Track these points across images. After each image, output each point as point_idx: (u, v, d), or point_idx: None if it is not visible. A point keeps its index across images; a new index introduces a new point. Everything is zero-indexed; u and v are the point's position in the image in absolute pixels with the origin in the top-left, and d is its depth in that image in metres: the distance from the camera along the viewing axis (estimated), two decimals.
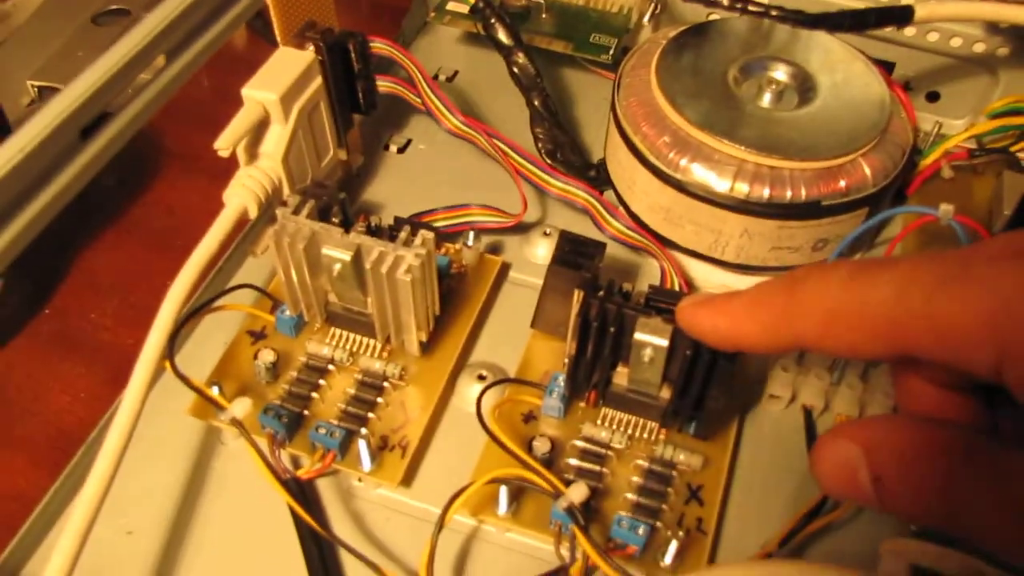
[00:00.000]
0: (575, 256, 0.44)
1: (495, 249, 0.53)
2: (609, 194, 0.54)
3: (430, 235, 0.42)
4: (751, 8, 0.46)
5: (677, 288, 0.49)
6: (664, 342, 0.39)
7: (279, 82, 0.46)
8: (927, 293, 0.26)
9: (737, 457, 0.46)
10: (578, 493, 0.39)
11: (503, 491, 0.40)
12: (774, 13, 0.46)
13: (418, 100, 0.53)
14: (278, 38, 0.48)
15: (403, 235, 0.42)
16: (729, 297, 0.33)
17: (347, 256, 0.42)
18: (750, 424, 0.47)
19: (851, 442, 0.28)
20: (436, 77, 0.65)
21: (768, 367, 0.47)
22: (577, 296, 0.40)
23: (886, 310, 0.27)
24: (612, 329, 0.39)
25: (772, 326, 0.30)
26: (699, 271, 0.52)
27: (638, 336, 0.39)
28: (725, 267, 0.51)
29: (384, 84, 0.54)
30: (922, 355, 0.26)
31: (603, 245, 0.45)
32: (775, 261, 0.50)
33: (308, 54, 0.48)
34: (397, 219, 0.46)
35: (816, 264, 0.32)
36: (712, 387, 0.40)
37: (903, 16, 0.47)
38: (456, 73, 0.66)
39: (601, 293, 0.40)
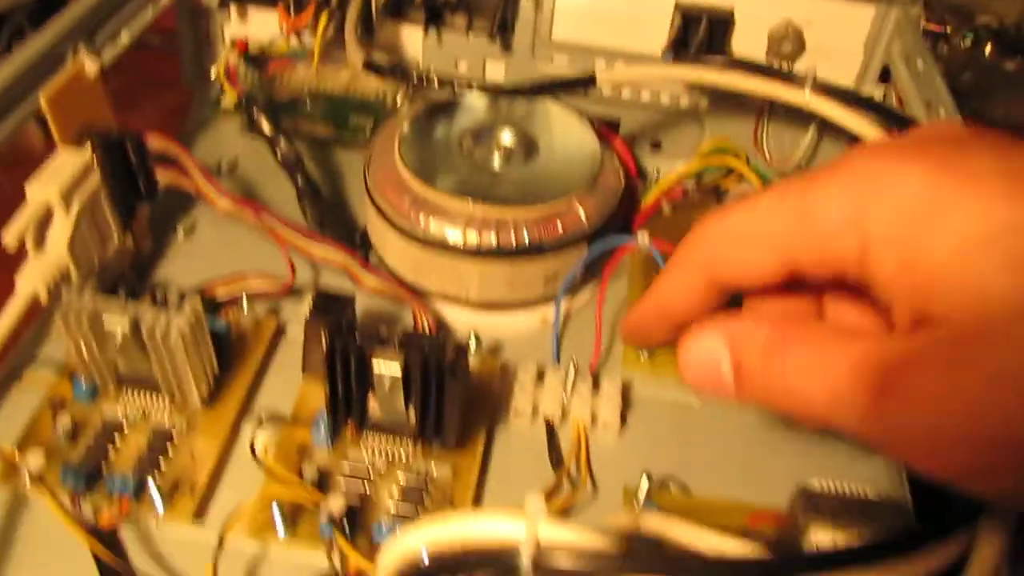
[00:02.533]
0: (327, 310, 0.51)
1: (275, 310, 0.60)
2: (374, 256, 0.62)
3: (196, 298, 0.49)
4: (456, 85, 0.55)
5: (427, 329, 0.56)
6: (397, 367, 0.46)
7: (59, 178, 0.52)
8: (798, 193, 0.30)
9: (488, 467, 0.53)
10: (336, 503, 0.45)
11: (276, 512, 0.47)
12: (474, 86, 0.55)
13: (192, 186, 0.60)
14: (56, 139, 0.55)
15: (173, 300, 0.49)
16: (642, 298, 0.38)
17: (126, 325, 0.48)
18: (499, 438, 0.54)
19: (715, 334, 0.31)
20: (219, 167, 0.71)
21: (510, 388, 0.55)
22: (323, 337, 0.47)
23: (764, 217, 0.30)
24: (352, 361, 0.47)
25: (682, 272, 0.34)
26: (451, 314, 0.60)
27: (375, 365, 0.46)
28: (472, 307, 0.59)
29: (163, 176, 0.60)
30: (801, 253, 0.30)
31: (352, 298, 0.52)
32: (513, 297, 0.58)
33: (86, 151, 0.54)
34: (180, 293, 0.53)
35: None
36: (445, 403, 0.47)
37: (587, 81, 0.57)
38: (236, 162, 0.73)
39: (343, 333, 0.47)
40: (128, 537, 0.49)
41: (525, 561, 0.27)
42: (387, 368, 0.46)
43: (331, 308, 0.51)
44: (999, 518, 0.34)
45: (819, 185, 0.29)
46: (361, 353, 0.47)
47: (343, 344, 0.47)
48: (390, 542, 0.32)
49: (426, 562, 0.31)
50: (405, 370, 0.46)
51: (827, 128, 0.68)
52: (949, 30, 1.01)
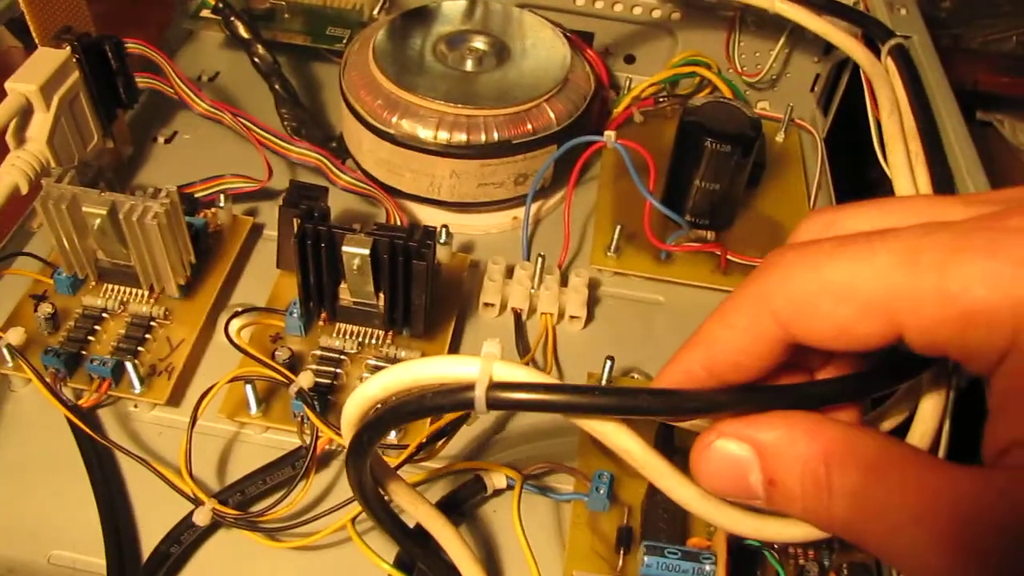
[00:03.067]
0: (300, 199, 0.52)
1: (252, 212, 0.62)
2: (350, 161, 0.63)
3: (172, 188, 0.50)
4: None
5: (398, 223, 0.58)
6: (366, 251, 0.47)
7: (38, 75, 0.54)
8: (940, 262, 0.23)
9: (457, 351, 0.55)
10: (305, 379, 0.47)
11: (249, 391, 0.48)
12: None
13: (172, 91, 0.61)
14: (36, 40, 0.56)
15: (150, 190, 0.50)
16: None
17: (103, 211, 0.49)
18: (468, 329, 0.56)
19: (741, 443, 0.26)
20: (199, 78, 0.73)
21: (480, 283, 0.56)
22: (294, 225, 0.48)
23: (886, 281, 0.24)
24: (323, 246, 0.48)
25: (750, 322, 0.27)
26: (424, 213, 0.61)
27: (345, 248, 0.48)
28: (444, 207, 0.60)
29: (142, 80, 0.61)
30: (919, 334, 0.24)
31: (325, 189, 0.53)
32: (484, 196, 0.59)
33: (65, 52, 0.56)
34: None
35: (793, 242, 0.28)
36: (413, 286, 0.49)
37: None
38: (217, 74, 0.74)
39: (314, 220, 0.48)
40: (107, 418, 0.51)
41: (480, 393, 0.29)
42: (356, 248, 0.47)
43: (305, 196, 0.52)
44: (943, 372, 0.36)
45: (968, 260, 0.23)
46: (332, 237, 0.48)
47: (315, 228, 0.48)
48: (353, 393, 0.33)
49: (388, 403, 0.32)
50: (374, 251, 0.48)
51: (797, 40, 0.69)
52: None
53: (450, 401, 0.30)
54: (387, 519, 0.37)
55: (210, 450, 0.50)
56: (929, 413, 0.39)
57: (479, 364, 0.29)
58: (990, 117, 0.95)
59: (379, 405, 0.32)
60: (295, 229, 0.48)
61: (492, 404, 0.29)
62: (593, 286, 0.58)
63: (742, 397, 0.31)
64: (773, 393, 0.32)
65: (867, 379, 0.34)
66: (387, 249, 0.47)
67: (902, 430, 0.40)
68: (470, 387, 0.29)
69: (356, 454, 0.34)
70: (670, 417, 0.33)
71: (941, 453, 0.40)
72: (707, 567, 0.42)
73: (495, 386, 0.29)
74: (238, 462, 0.50)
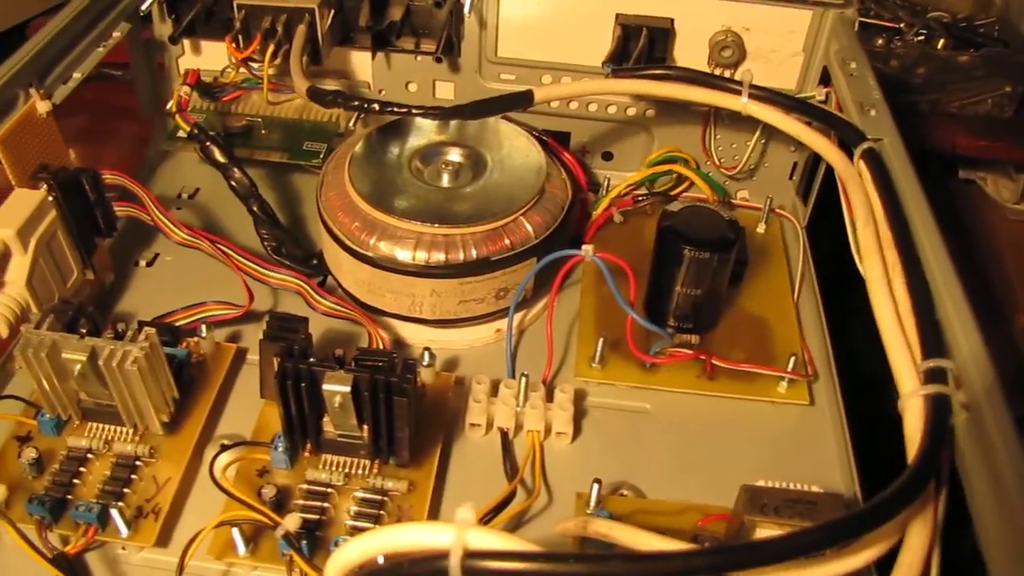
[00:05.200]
0: (281, 331, 0.52)
1: (235, 338, 0.61)
2: (331, 279, 0.63)
3: (152, 330, 0.50)
4: (396, 110, 0.56)
5: (381, 347, 0.57)
6: (346, 388, 0.47)
7: (14, 219, 0.54)
8: None
9: (445, 479, 0.54)
10: (292, 522, 0.47)
11: (236, 533, 0.48)
12: (415, 112, 0.56)
13: (149, 219, 0.61)
14: (12, 181, 0.56)
15: (129, 333, 0.50)
16: None
17: (83, 357, 0.49)
18: (456, 450, 0.56)
19: None
20: (179, 196, 0.73)
21: (465, 401, 0.56)
22: (274, 362, 0.48)
23: None
24: (303, 384, 0.48)
25: None
26: (406, 330, 0.61)
27: (325, 387, 0.48)
28: (426, 324, 0.60)
29: (121, 209, 0.61)
30: None
31: (305, 320, 0.53)
32: (466, 312, 0.59)
33: (41, 192, 0.56)
34: (140, 323, 0.54)
35: None
36: (395, 420, 0.49)
37: (525, 99, 0.58)
38: (197, 190, 0.74)
39: (294, 357, 0.48)
40: (95, 563, 0.51)
41: (454, 563, 0.29)
42: (337, 386, 0.47)
43: (285, 330, 0.52)
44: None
45: None
46: (312, 375, 0.48)
47: (295, 366, 0.48)
48: (332, 556, 0.33)
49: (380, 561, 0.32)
50: (355, 388, 0.48)
51: (773, 130, 0.69)
52: (903, 26, 1.03)
53: (425, 570, 0.31)
54: None
55: None
56: (916, 542, 0.39)
57: (453, 532, 0.30)
58: (973, 175, 0.95)
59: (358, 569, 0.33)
60: (275, 365, 0.48)
61: (468, 573, 0.29)
62: (579, 397, 0.58)
63: (719, 559, 0.31)
64: (751, 551, 0.32)
65: (847, 524, 0.33)
66: (368, 386, 0.47)
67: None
68: (445, 555, 0.30)
69: None
70: None
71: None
72: None
73: (470, 555, 0.29)
74: None
